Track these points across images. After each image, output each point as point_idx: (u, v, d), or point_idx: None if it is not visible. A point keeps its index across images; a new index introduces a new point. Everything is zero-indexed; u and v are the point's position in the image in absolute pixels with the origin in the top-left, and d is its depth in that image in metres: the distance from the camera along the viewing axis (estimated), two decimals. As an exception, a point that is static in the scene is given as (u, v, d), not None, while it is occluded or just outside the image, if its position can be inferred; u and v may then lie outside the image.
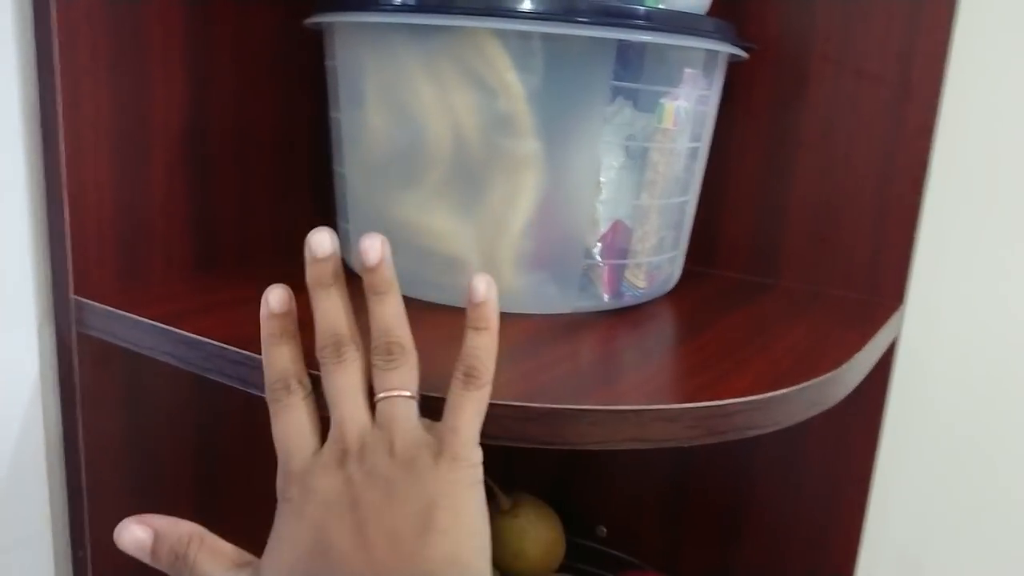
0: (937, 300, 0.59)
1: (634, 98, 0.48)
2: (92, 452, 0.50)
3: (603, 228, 0.49)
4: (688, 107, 0.49)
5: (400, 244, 0.39)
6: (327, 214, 0.59)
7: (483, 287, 0.37)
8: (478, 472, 0.36)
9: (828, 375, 0.42)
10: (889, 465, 0.62)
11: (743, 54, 0.52)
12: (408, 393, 0.36)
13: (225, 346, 0.41)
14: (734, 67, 0.57)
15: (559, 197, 0.47)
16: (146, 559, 0.37)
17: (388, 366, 0.36)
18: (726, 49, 0.49)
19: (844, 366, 0.43)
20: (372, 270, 0.37)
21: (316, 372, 0.37)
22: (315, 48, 0.56)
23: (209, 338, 0.42)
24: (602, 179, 0.48)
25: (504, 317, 0.38)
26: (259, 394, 0.38)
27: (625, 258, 0.51)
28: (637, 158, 0.49)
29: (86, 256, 0.48)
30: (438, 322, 0.46)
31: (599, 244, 0.49)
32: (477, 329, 0.36)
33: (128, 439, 0.53)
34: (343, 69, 0.50)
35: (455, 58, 0.44)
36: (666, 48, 0.47)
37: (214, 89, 0.54)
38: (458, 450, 0.35)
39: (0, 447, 0.48)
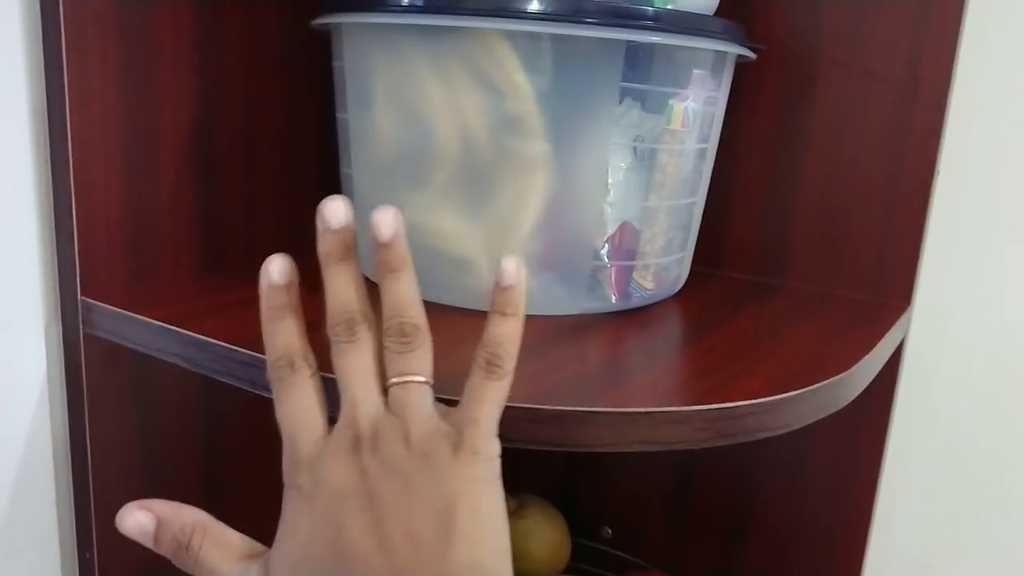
0: (944, 302, 0.59)
1: (642, 99, 0.48)
2: (99, 453, 0.50)
3: (611, 229, 0.49)
4: (696, 108, 0.49)
5: (408, 245, 0.39)
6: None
7: (513, 268, 0.34)
8: (496, 466, 0.34)
9: (838, 377, 0.41)
10: (896, 466, 0.62)
11: (751, 55, 0.52)
12: (423, 378, 0.34)
13: (234, 347, 0.41)
14: (741, 68, 0.57)
15: (567, 198, 0.47)
16: (149, 544, 0.36)
17: (402, 348, 0.34)
18: (735, 50, 0.49)
19: (854, 368, 0.43)
20: (386, 245, 0.34)
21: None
22: (323, 49, 0.56)
23: (218, 339, 0.42)
24: (610, 180, 0.48)
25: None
26: (268, 396, 0.38)
27: (633, 259, 0.50)
28: (645, 159, 0.49)
29: (94, 257, 0.48)
30: (446, 324, 0.46)
31: (607, 245, 0.49)
32: (504, 315, 0.34)
33: (135, 440, 0.52)
34: (351, 70, 0.49)
35: (463, 59, 0.44)
36: (674, 49, 0.47)
37: (222, 90, 0.54)
38: (477, 442, 0.33)
39: (7, 448, 0.48)
